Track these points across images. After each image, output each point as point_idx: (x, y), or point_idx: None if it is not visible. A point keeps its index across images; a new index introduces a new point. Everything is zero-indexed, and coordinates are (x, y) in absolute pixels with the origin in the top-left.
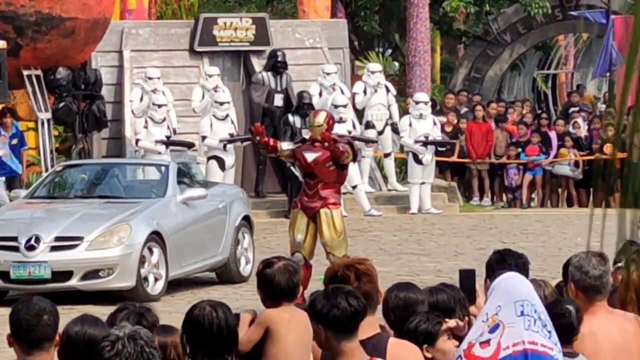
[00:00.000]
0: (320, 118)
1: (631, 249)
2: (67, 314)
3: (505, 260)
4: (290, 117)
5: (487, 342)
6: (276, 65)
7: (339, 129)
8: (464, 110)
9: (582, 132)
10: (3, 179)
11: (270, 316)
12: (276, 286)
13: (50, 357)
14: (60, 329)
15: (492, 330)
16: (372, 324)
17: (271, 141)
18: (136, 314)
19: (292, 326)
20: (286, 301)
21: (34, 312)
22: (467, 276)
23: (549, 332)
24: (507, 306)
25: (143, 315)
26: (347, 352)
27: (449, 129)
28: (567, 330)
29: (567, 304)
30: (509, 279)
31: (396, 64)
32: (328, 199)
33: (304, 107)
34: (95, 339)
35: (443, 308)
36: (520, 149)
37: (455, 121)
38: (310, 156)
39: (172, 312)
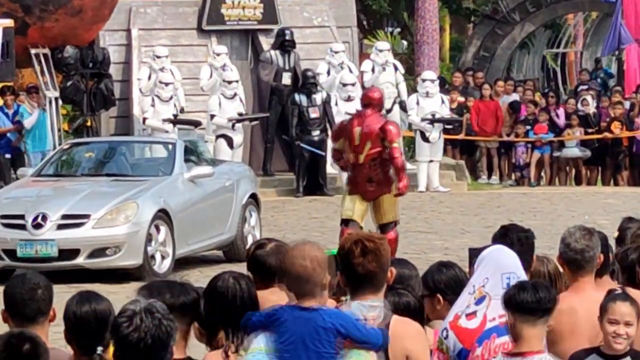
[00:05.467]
0: None
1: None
2: (74, 293)
3: (507, 235)
4: (297, 96)
5: (474, 313)
6: (284, 44)
7: (347, 108)
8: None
9: (591, 109)
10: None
11: (259, 300)
12: (268, 267)
13: (45, 332)
14: (56, 305)
15: (479, 302)
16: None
17: None
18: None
19: None
20: (277, 282)
21: (29, 286)
22: (476, 255)
23: None
24: (493, 278)
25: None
26: None
27: (453, 106)
28: None
29: None
30: (496, 251)
31: (405, 42)
32: None
33: (307, 86)
34: (104, 314)
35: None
36: (528, 127)
37: (463, 99)
38: None
39: None
